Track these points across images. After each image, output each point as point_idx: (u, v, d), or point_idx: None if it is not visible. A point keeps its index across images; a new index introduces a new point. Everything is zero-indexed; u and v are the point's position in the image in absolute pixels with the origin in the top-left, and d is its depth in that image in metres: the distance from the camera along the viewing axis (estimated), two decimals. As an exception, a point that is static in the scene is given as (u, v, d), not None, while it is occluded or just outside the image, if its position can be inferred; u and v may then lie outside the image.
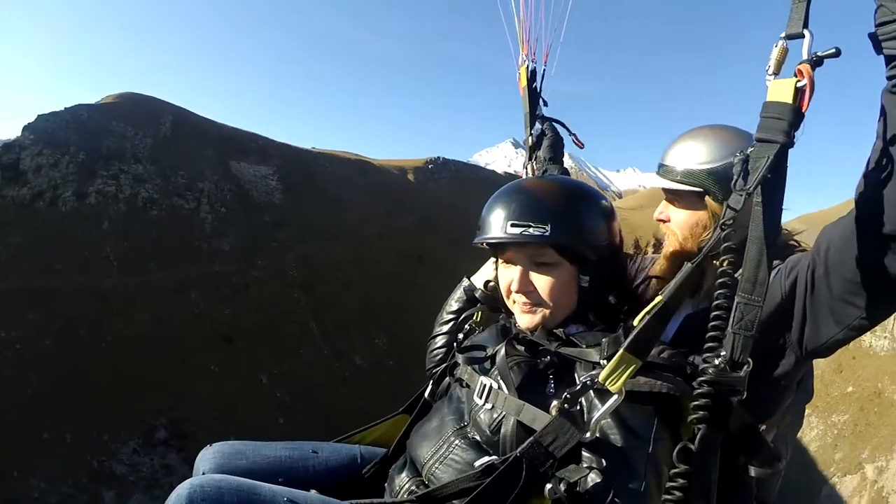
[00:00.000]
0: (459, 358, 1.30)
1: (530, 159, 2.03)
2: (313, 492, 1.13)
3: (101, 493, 16.39)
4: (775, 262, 1.15)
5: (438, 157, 39.18)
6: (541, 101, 2.05)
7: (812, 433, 22.36)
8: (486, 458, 1.08)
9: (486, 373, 1.20)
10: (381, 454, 1.43)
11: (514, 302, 1.25)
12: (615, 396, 0.94)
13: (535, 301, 1.21)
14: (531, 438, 0.98)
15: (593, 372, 1.00)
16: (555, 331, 1.18)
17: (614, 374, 0.93)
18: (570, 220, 1.18)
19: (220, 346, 20.95)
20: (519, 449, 0.98)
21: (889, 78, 0.86)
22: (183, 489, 0.96)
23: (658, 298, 0.96)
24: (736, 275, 0.94)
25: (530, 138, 2.02)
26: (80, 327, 18.96)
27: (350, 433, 1.55)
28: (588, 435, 0.96)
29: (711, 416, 0.89)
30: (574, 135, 2.01)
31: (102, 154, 22.73)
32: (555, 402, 1.00)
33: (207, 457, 1.34)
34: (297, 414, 20.21)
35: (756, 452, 1.01)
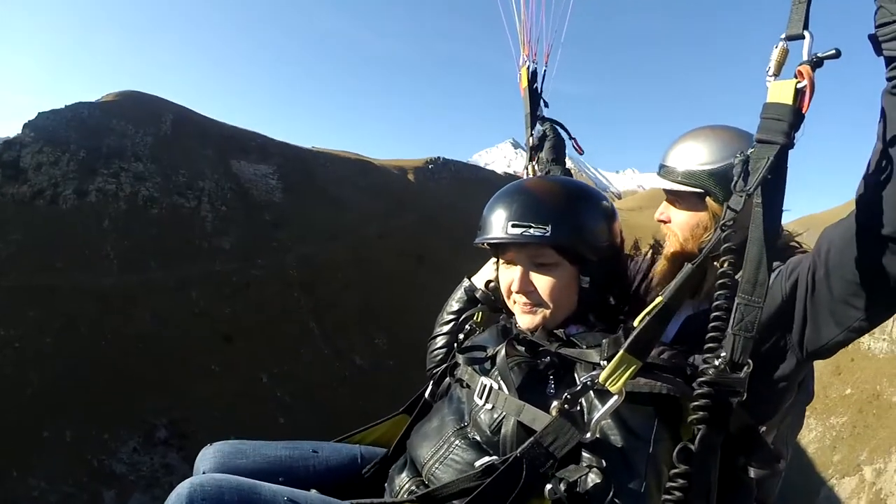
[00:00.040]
0: (460, 358, 1.30)
1: (531, 160, 2.04)
2: (313, 491, 1.13)
3: (101, 492, 16.38)
4: (776, 264, 1.15)
5: (439, 157, 39.15)
6: (542, 101, 2.05)
7: (810, 435, 22.35)
8: (486, 459, 1.08)
9: (486, 373, 1.21)
10: (381, 454, 1.43)
11: (515, 302, 1.25)
12: (615, 397, 0.95)
13: (535, 301, 1.21)
14: (531, 439, 0.98)
15: (593, 373, 1.00)
16: (555, 331, 1.18)
17: (614, 375, 0.93)
18: (570, 220, 1.18)
19: (221, 345, 20.94)
20: (519, 449, 0.98)
21: (889, 79, 0.87)
22: (183, 488, 0.96)
23: (658, 299, 0.96)
24: (736, 276, 0.94)
25: (531, 139, 2.03)
26: (81, 326, 18.95)
27: (350, 433, 1.55)
28: (588, 435, 0.97)
29: (711, 416, 0.89)
30: (574, 139, 2.02)
31: (103, 152, 22.72)
32: (555, 403, 1.00)
33: (208, 456, 1.34)
34: (297, 414, 20.20)
35: (756, 453, 1.01)
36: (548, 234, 1.14)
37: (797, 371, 1.19)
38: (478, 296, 1.52)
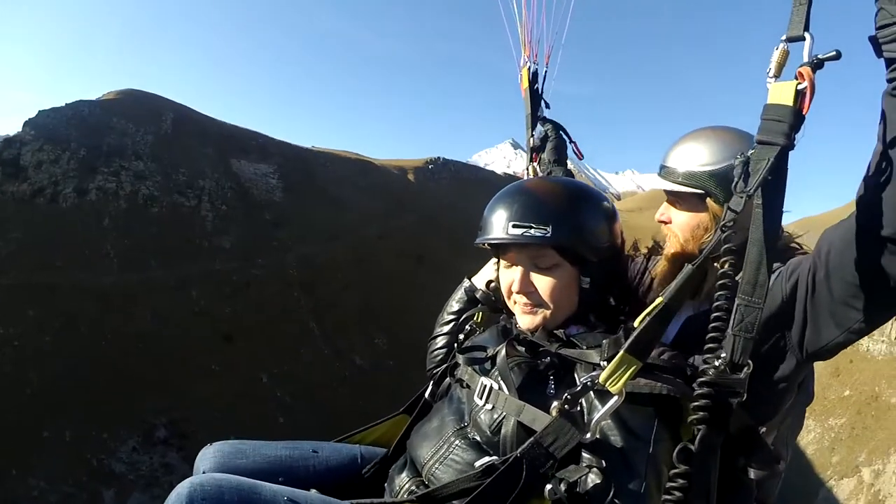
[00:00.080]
0: (460, 358, 1.30)
1: (531, 160, 2.04)
2: (314, 491, 1.13)
3: (101, 491, 16.36)
4: (776, 265, 1.16)
5: (438, 158, 39.14)
6: (543, 102, 2.05)
7: (809, 436, 22.35)
8: (486, 459, 1.08)
9: (486, 373, 1.21)
10: (381, 454, 1.43)
11: (515, 303, 1.25)
12: (615, 397, 0.95)
13: (535, 302, 1.21)
14: (531, 439, 0.98)
15: (594, 373, 1.00)
16: (555, 332, 1.18)
17: (615, 376, 0.93)
18: (571, 221, 1.18)
19: (221, 344, 20.93)
20: (519, 449, 0.98)
21: (889, 81, 0.87)
22: (183, 488, 0.96)
23: (659, 300, 0.96)
24: (737, 277, 0.94)
25: (532, 139, 2.03)
26: (81, 324, 18.94)
27: (350, 433, 1.55)
28: (588, 436, 0.97)
29: (711, 417, 0.89)
30: (574, 143, 2.01)
31: (103, 150, 22.70)
32: (555, 403, 1.00)
33: (208, 456, 1.34)
34: (297, 414, 20.19)
35: (756, 454, 1.02)
36: (549, 235, 1.14)
37: (797, 372, 1.19)
38: (478, 296, 1.52)
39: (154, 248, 21.97)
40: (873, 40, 0.87)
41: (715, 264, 1.06)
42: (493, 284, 1.44)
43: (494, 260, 1.43)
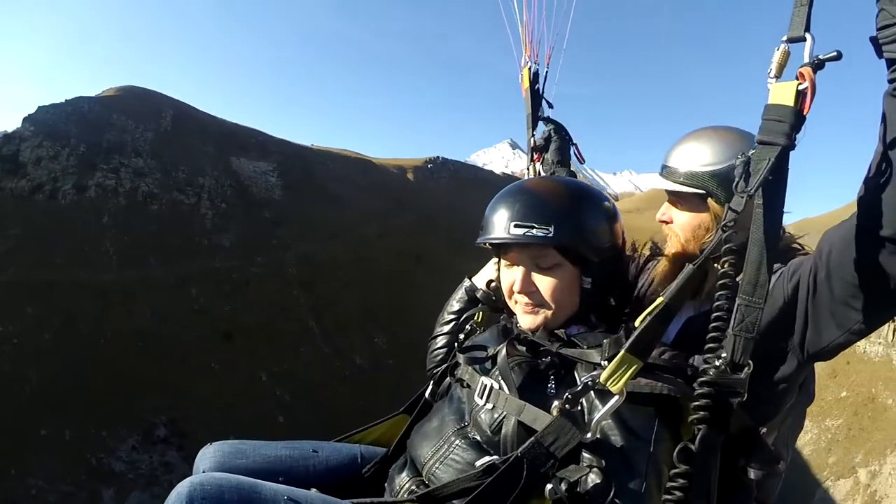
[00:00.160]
0: (460, 358, 1.30)
1: (532, 160, 2.04)
2: (314, 491, 1.13)
3: (100, 490, 16.35)
4: (777, 266, 1.16)
5: (438, 157, 39.15)
6: (545, 102, 2.05)
7: (806, 437, 22.39)
8: (486, 458, 1.08)
9: (487, 373, 1.21)
10: (381, 454, 1.43)
11: (516, 303, 1.25)
12: (616, 397, 0.95)
13: (537, 302, 1.21)
14: (532, 439, 0.98)
15: (594, 373, 1.00)
16: (556, 332, 1.18)
17: (615, 375, 0.94)
18: (573, 221, 1.18)
19: (220, 343, 20.92)
20: (520, 449, 0.98)
21: (890, 81, 0.87)
22: (183, 487, 0.96)
23: (659, 300, 0.96)
24: (738, 277, 0.94)
25: (532, 139, 2.02)
26: (80, 322, 18.92)
27: (350, 433, 1.55)
28: (589, 435, 0.97)
29: (712, 417, 0.89)
30: (575, 145, 2.01)
31: (103, 147, 22.67)
32: (556, 403, 1.00)
33: (208, 455, 1.34)
34: (296, 413, 20.20)
35: (756, 454, 1.02)
36: (550, 235, 1.14)
37: (798, 372, 1.19)
38: (478, 296, 1.51)
39: (153, 245, 21.96)
40: (874, 41, 0.88)
41: (715, 264, 1.06)
42: (493, 284, 1.44)
43: (495, 259, 1.43)
